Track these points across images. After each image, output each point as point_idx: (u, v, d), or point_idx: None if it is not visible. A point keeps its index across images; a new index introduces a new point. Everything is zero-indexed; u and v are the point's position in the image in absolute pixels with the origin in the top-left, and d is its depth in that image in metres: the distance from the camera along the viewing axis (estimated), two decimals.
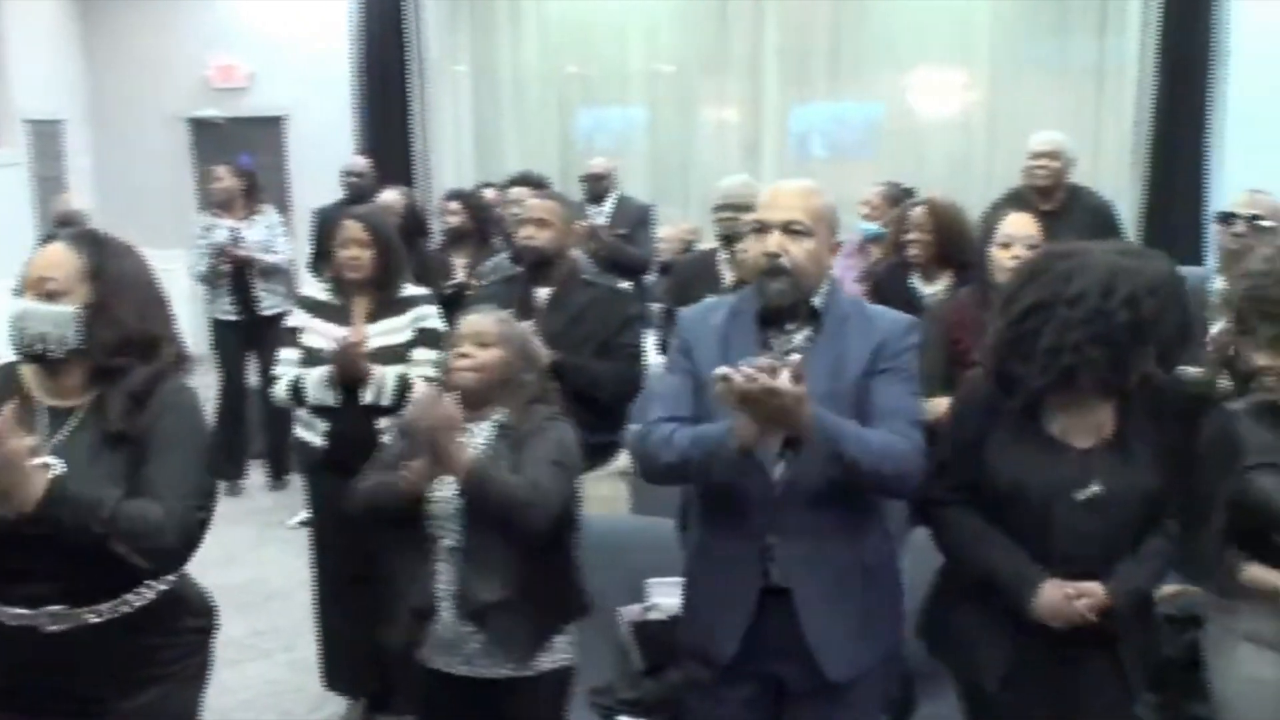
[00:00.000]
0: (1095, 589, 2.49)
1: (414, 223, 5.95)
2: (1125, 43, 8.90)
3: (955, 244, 4.37)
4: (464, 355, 2.89)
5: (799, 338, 2.57)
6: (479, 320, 2.97)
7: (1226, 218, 4.18)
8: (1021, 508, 2.54)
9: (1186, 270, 2.88)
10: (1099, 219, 5.50)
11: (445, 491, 2.78)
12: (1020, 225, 3.56)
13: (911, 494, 2.62)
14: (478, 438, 2.86)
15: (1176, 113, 8.62)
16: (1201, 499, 2.55)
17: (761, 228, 2.58)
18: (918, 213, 4.52)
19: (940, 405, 3.26)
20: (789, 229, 2.53)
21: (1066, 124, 9.06)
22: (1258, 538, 2.51)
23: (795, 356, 2.40)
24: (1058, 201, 5.48)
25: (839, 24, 9.27)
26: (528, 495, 2.69)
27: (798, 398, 2.28)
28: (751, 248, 2.65)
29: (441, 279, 5.34)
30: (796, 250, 2.52)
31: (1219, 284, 3.76)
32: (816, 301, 2.58)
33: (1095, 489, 2.50)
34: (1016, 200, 5.52)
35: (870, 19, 9.27)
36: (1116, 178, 8.61)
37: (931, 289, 4.40)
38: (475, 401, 2.87)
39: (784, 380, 2.26)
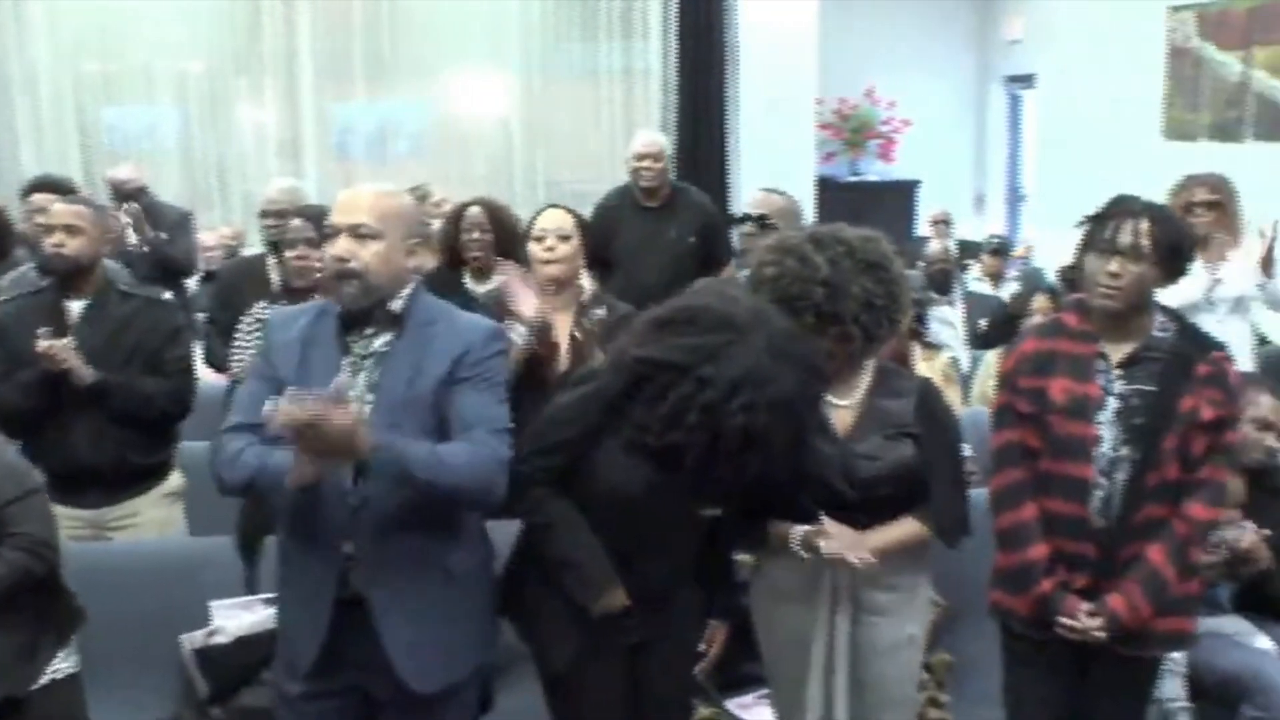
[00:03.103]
0: None
1: None
2: (649, 46, 9.44)
3: (511, 242, 4.44)
4: None
5: (378, 342, 2.54)
6: None
7: (741, 218, 4.50)
8: (623, 507, 2.62)
9: None
10: (704, 217, 5.74)
11: None
12: (553, 219, 3.68)
13: (497, 504, 2.57)
14: None
15: (699, 113, 9.26)
16: None
17: (332, 232, 2.54)
18: (475, 212, 4.55)
19: None
20: (356, 232, 2.49)
21: (601, 126, 9.58)
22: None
23: (342, 376, 2.38)
24: (663, 200, 5.67)
25: (376, 24, 9.20)
26: None
27: (347, 429, 2.25)
28: (325, 251, 2.60)
29: None
30: (365, 253, 2.48)
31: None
32: (396, 305, 2.55)
33: (715, 511, 2.68)
34: (624, 197, 5.74)
35: (405, 19, 9.26)
36: None
37: (485, 288, 4.45)
38: None
39: (339, 410, 2.23)
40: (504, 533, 2.83)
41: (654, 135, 5.94)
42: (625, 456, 2.51)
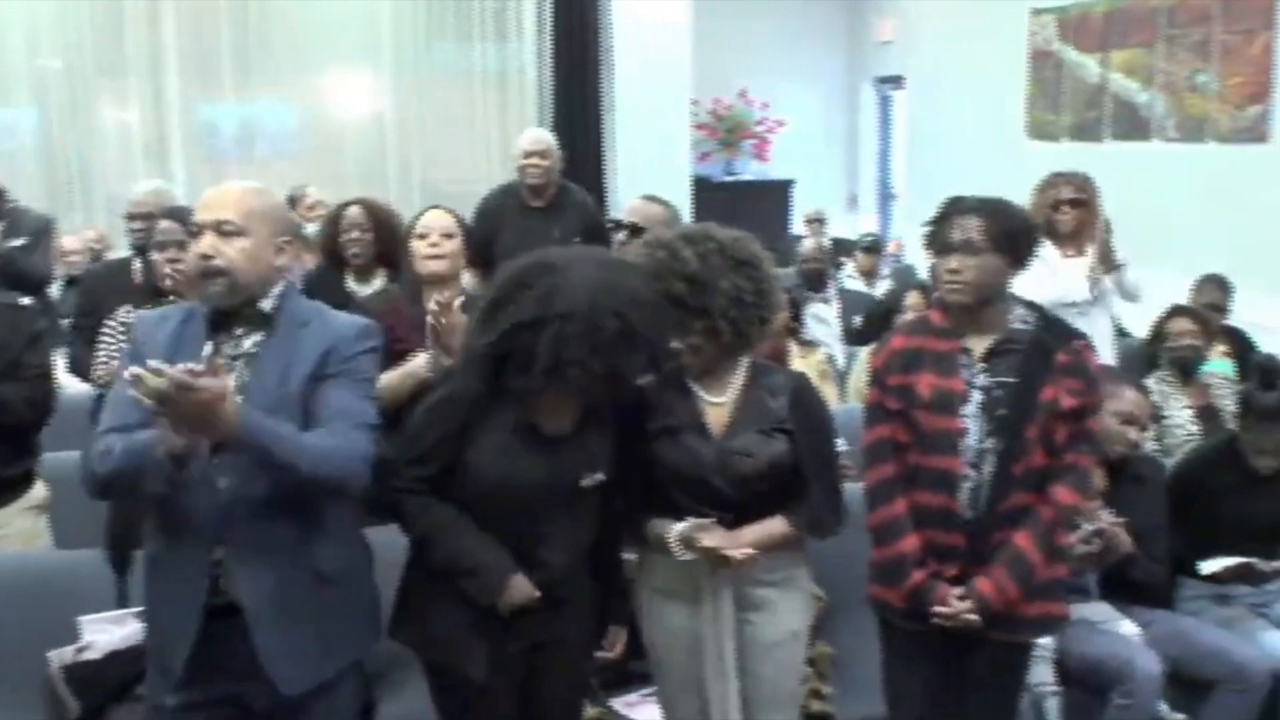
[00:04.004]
0: None
1: None
2: (524, 47, 9.43)
3: (392, 243, 4.39)
4: None
5: (248, 343, 2.49)
6: None
7: (614, 225, 4.52)
8: (511, 499, 2.62)
9: None
10: (587, 217, 5.73)
11: None
12: (437, 218, 3.67)
13: (360, 494, 2.57)
14: None
15: (574, 114, 9.28)
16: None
17: (197, 230, 2.48)
18: (354, 212, 4.49)
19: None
20: (221, 229, 2.45)
21: (476, 126, 9.55)
22: (661, 496, 2.76)
23: (209, 346, 2.33)
24: (549, 199, 5.65)
25: (243, 23, 9.05)
26: None
27: (215, 394, 2.18)
28: (190, 250, 2.54)
29: None
30: (230, 250, 2.44)
31: None
32: (266, 305, 2.51)
33: (599, 476, 2.68)
34: (508, 196, 5.70)
35: (273, 18, 9.12)
36: None
37: (368, 289, 4.39)
38: None
39: (204, 377, 2.16)
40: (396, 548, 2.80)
41: (542, 133, 5.93)
42: (507, 445, 2.57)
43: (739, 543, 2.67)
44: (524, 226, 5.43)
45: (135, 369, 2.15)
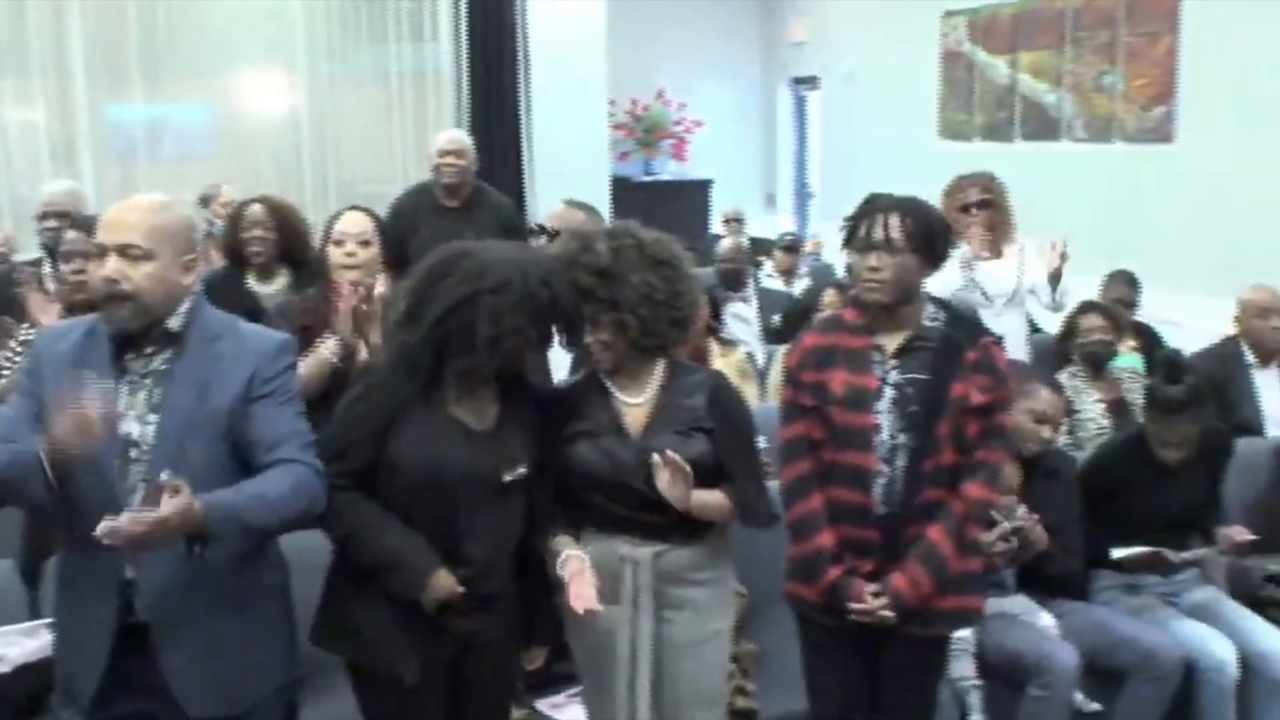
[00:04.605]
0: None
1: None
2: (440, 48, 9.37)
3: (296, 241, 4.34)
4: None
5: (158, 360, 2.43)
6: None
7: (539, 230, 4.50)
8: (437, 492, 2.61)
9: None
10: (502, 218, 5.70)
11: None
12: (353, 222, 3.64)
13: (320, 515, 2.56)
14: None
15: (492, 115, 9.24)
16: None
17: (100, 251, 2.41)
18: (256, 210, 4.41)
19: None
20: (126, 253, 2.37)
21: (392, 127, 9.47)
22: (579, 499, 2.77)
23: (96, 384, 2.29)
24: (464, 199, 5.62)
25: (151, 22, 8.87)
26: None
27: (188, 512, 2.17)
28: (91, 272, 2.47)
29: None
30: (136, 275, 2.37)
31: None
32: (173, 324, 2.44)
33: (521, 470, 2.67)
34: (423, 196, 5.65)
35: (183, 18, 8.95)
36: None
37: (269, 288, 4.32)
38: None
39: (162, 509, 2.16)
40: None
41: (457, 133, 5.91)
42: (431, 437, 2.59)
43: (688, 500, 2.68)
44: (438, 226, 5.38)
45: (107, 523, 2.14)
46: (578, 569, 2.66)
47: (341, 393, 2.89)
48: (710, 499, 2.75)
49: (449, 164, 5.59)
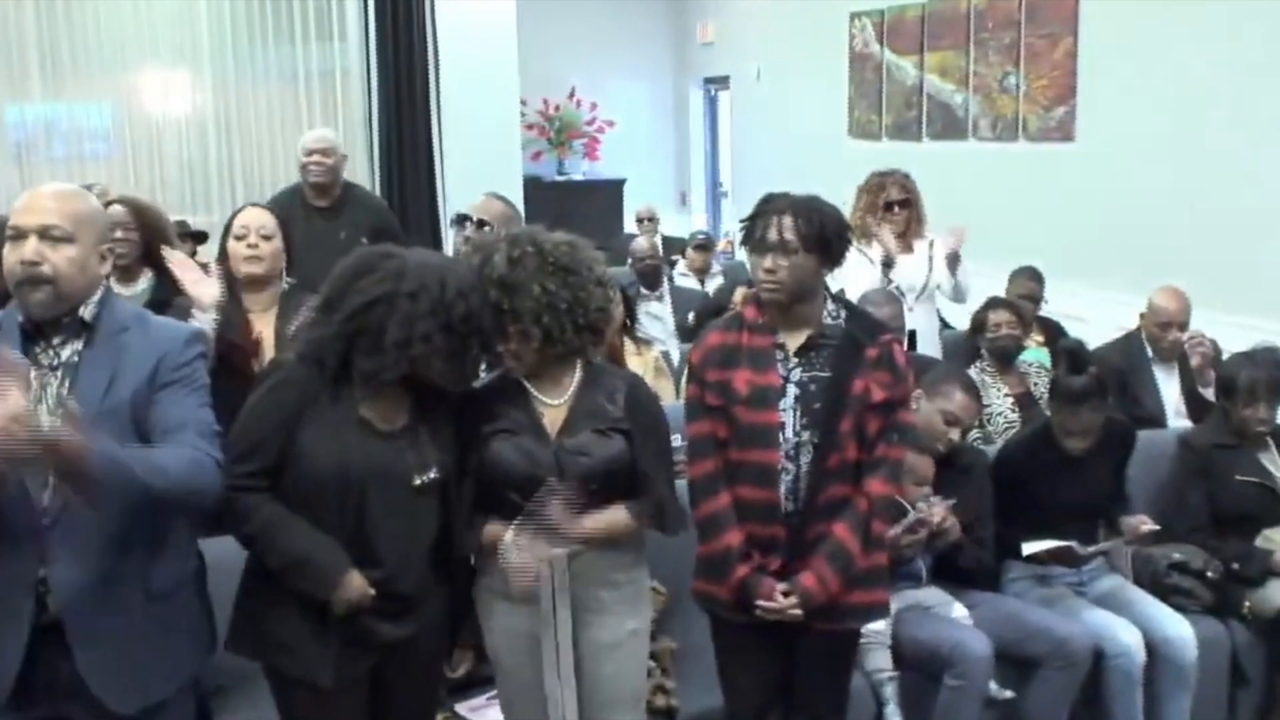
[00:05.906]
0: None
1: None
2: (349, 48, 9.28)
3: (159, 241, 4.19)
4: None
5: (66, 352, 2.39)
6: None
7: (461, 220, 4.47)
8: (345, 492, 2.58)
9: None
10: (374, 217, 5.64)
11: None
12: (254, 217, 3.62)
13: (209, 507, 2.51)
14: None
15: (403, 115, 9.17)
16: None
17: (17, 234, 2.36)
18: (119, 211, 4.25)
19: None
20: (47, 234, 2.35)
21: (302, 127, 9.31)
22: (497, 498, 2.75)
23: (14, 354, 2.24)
24: (333, 198, 5.54)
25: (52, 21, 8.68)
26: None
27: (78, 446, 2.12)
28: (7, 256, 2.41)
29: None
30: (56, 257, 2.34)
31: None
32: (86, 313, 2.41)
33: (433, 474, 2.65)
34: (295, 196, 5.56)
35: (84, 17, 8.77)
36: (356, 177, 8.94)
37: (131, 290, 4.20)
38: None
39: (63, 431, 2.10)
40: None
41: (324, 131, 5.80)
42: (339, 435, 2.57)
43: (578, 529, 2.67)
44: (309, 227, 5.28)
45: None
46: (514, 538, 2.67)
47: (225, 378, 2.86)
48: (609, 521, 2.75)
49: (315, 163, 5.49)
